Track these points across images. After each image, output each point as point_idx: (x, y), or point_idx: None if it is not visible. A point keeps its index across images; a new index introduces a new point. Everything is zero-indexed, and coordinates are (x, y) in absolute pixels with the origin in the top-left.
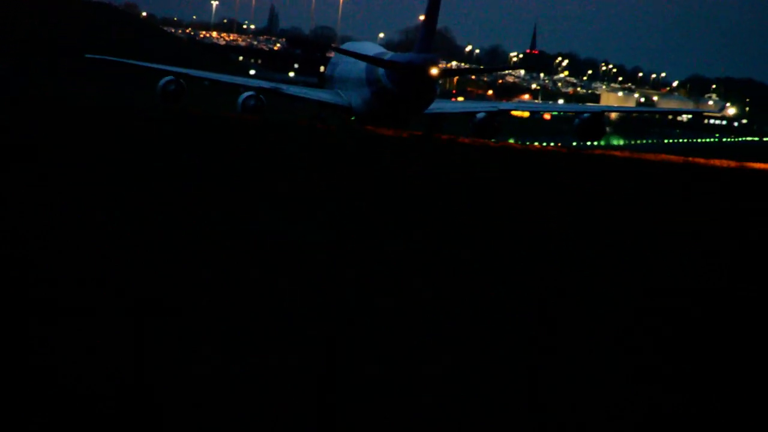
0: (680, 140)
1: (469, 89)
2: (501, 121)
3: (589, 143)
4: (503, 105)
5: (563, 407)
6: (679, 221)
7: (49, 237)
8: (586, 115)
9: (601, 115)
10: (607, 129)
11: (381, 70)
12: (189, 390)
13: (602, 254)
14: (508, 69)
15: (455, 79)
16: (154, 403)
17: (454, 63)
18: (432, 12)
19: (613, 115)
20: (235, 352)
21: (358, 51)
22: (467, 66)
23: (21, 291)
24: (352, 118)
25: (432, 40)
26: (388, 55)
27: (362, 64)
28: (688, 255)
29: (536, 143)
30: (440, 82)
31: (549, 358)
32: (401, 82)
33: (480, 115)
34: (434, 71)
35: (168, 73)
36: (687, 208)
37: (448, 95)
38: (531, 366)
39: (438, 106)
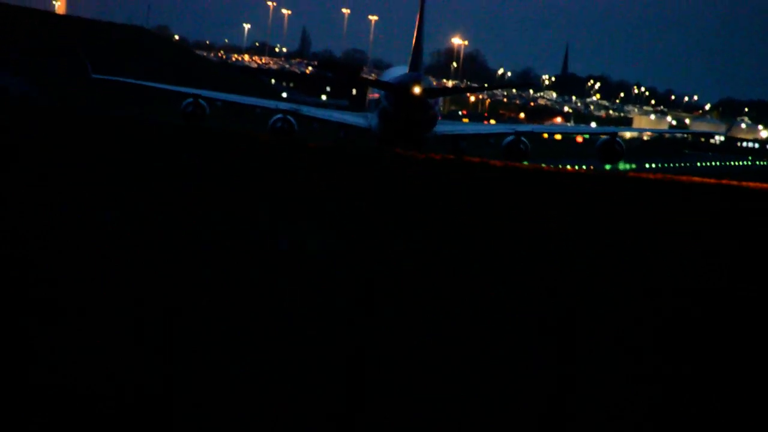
0: (713, 163)
1: (501, 112)
2: (528, 144)
3: (608, 166)
4: (521, 127)
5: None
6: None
7: (61, 238)
8: (603, 137)
9: (615, 138)
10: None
11: (383, 92)
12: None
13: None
14: (500, 88)
15: (487, 102)
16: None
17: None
18: (419, 33)
19: (645, 137)
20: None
21: (394, 75)
22: (465, 85)
23: (22, 290)
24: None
25: (419, 61)
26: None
27: None
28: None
29: (568, 166)
30: (434, 101)
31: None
32: (394, 103)
33: (508, 138)
34: (417, 90)
35: (178, 93)
36: (718, 229)
37: (479, 118)
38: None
39: (457, 128)
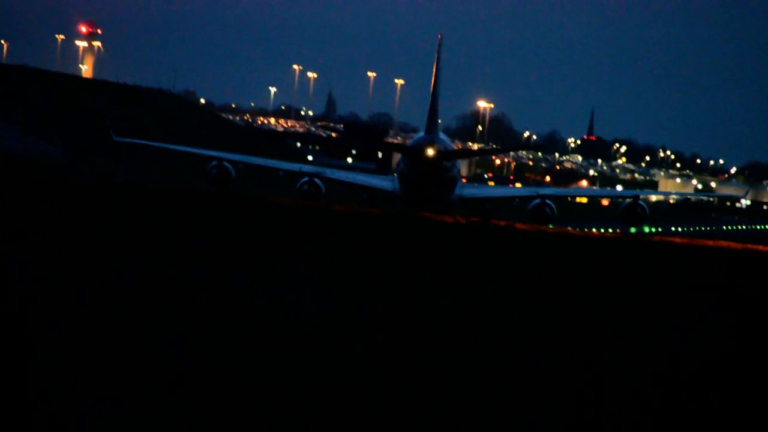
0: (739, 227)
1: (527, 175)
2: (553, 206)
3: (634, 229)
4: (543, 190)
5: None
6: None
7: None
8: (627, 200)
9: (637, 201)
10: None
11: (401, 155)
12: None
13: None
14: (517, 150)
15: (513, 165)
16: None
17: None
18: (433, 97)
19: (671, 200)
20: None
21: (444, 141)
22: (481, 147)
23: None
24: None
25: (434, 123)
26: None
27: None
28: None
29: (594, 229)
30: (451, 164)
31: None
32: (410, 165)
33: (534, 202)
34: (430, 152)
35: (202, 156)
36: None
37: (505, 180)
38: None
39: (482, 191)
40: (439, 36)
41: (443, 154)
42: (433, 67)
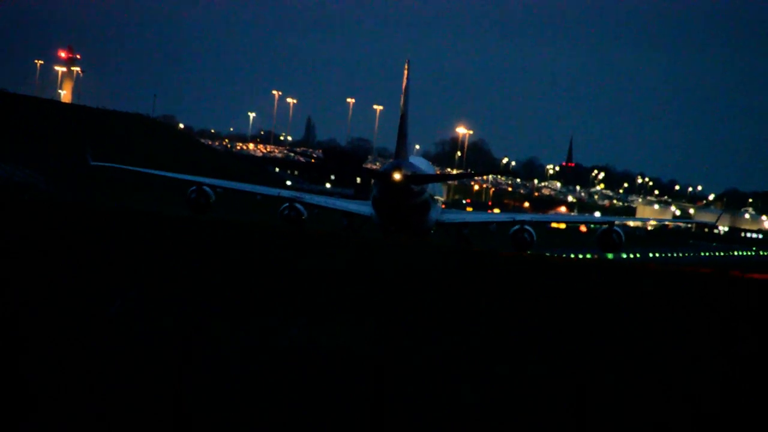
0: (717, 253)
1: (506, 201)
2: (533, 232)
3: (611, 255)
4: (520, 216)
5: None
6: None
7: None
8: (603, 227)
9: (612, 227)
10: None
11: (373, 180)
12: None
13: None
14: (489, 174)
15: (491, 191)
16: None
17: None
18: (402, 121)
19: (649, 226)
20: None
21: (415, 165)
22: (452, 172)
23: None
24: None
25: (403, 148)
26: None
27: None
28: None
29: (572, 255)
30: (421, 188)
31: None
32: (380, 189)
33: (513, 228)
34: (397, 176)
35: (177, 180)
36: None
37: (483, 207)
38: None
39: (461, 216)
40: (407, 61)
41: (411, 178)
42: (401, 93)
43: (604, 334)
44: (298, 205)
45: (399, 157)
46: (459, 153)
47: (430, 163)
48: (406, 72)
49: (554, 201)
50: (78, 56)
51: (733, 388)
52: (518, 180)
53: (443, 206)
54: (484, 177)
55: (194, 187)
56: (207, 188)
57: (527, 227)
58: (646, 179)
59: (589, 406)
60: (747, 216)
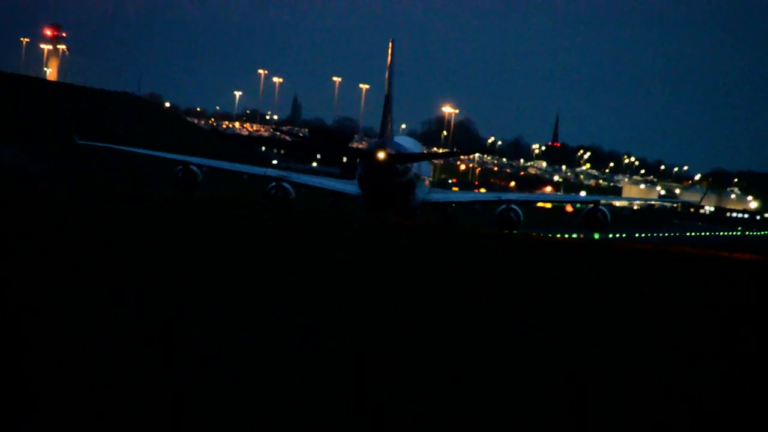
0: (703, 233)
1: (492, 181)
2: (519, 212)
3: (597, 235)
4: (506, 195)
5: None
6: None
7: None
8: (589, 206)
9: (597, 207)
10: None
11: (359, 160)
12: None
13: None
14: (464, 155)
15: (477, 170)
16: None
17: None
18: (387, 100)
19: (635, 206)
20: None
21: (400, 145)
22: (437, 151)
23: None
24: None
25: (388, 128)
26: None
27: None
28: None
29: (558, 235)
30: (406, 167)
31: None
32: (366, 168)
33: (500, 207)
34: (381, 155)
35: (164, 160)
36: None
37: (469, 186)
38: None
39: (447, 195)
40: (391, 41)
41: (395, 157)
42: (386, 72)
43: (604, 322)
44: (285, 185)
45: (384, 137)
46: (445, 132)
47: (418, 142)
48: (390, 51)
49: (540, 180)
50: (64, 34)
51: (734, 386)
52: (504, 159)
53: (430, 186)
54: (470, 156)
55: (181, 167)
56: (194, 167)
57: (513, 207)
58: (633, 159)
59: (589, 402)
60: (733, 196)
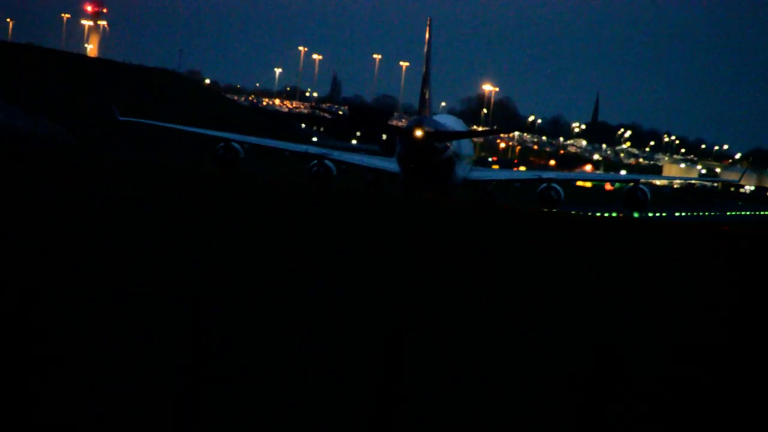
0: (743, 212)
1: (531, 159)
2: (560, 191)
3: (637, 214)
4: (545, 174)
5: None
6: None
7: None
8: (629, 185)
9: (637, 186)
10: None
11: (398, 138)
12: None
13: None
14: (503, 133)
15: (517, 149)
16: None
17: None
18: (425, 78)
19: (675, 185)
20: None
21: (439, 122)
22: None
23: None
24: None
25: (426, 105)
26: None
27: None
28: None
29: (597, 213)
30: (446, 145)
31: None
32: (404, 146)
33: (542, 186)
34: (419, 133)
35: (204, 136)
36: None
37: (509, 164)
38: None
39: (486, 173)
40: (428, 19)
41: (433, 134)
42: (423, 50)
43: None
44: (327, 162)
45: (422, 114)
46: (485, 110)
47: (459, 120)
48: (428, 29)
49: (580, 159)
50: (104, 10)
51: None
52: (544, 138)
53: (471, 164)
54: (510, 134)
55: (222, 144)
56: (235, 144)
57: (554, 185)
58: (673, 138)
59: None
60: None
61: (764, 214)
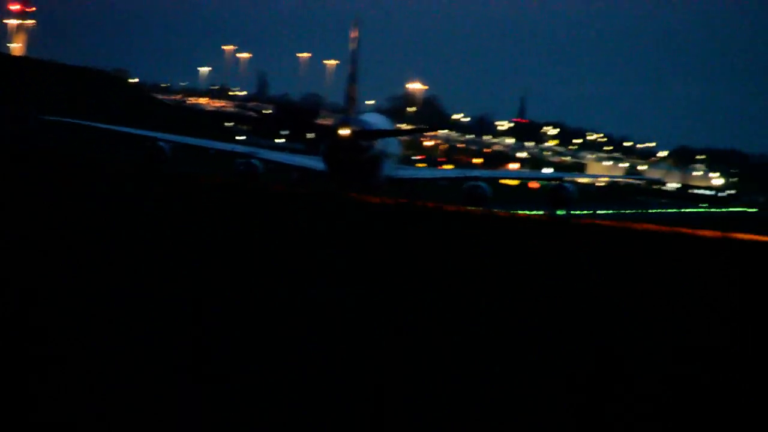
0: (667, 210)
1: (457, 157)
2: (486, 189)
3: (561, 212)
4: (471, 172)
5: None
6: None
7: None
8: (554, 183)
9: (561, 184)
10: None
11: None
12: None
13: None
14: (429, 131)
15: (443, 147)
16: None
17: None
18: (351, 77)
19: (600, 183)
20: None
21: (365, 121)
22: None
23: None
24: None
25: (353, 104)
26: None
27: None
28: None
29: (521, 212)
30: (371, 144)
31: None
32: (330, 145)
33: (468, 184)
34: (345, 132)
35: (131, 135)
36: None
37: (435, 163)
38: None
39: (411, 172)
40: (356, 17)
41: (359, 133)
42: (350, 48)
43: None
44: (254, 161)
45: (348, 113)
46: (412, 109)
47: (389, 119)
48: (355, 29)
49: (506, 157)
50: (30, 9)
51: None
52: (470, 136)
53: (398, 163)
54: (436, 133)
55: (149, 143)
56: (162, 143)
57: (481, 184)
58: (598, 135)
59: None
60: (697, 173)
61: (687, 212)
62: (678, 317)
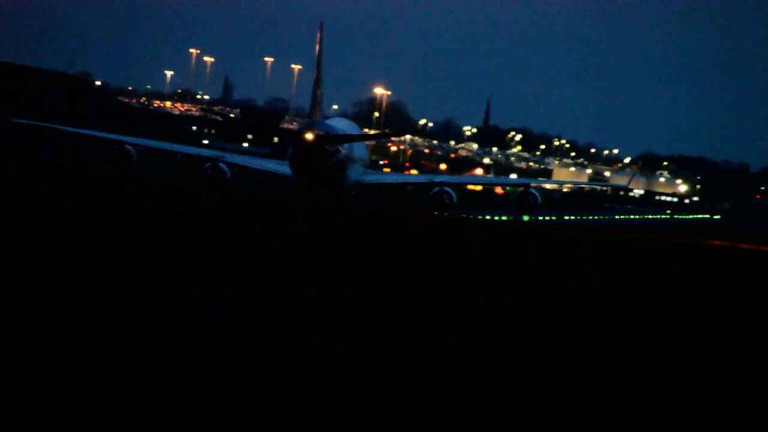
0: (631, 216)
1: (423, 162)
2: (452, 194)
3: (527, 217)
4: (437, 177)
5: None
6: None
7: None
8: (519, 189)
9: (527, 190)
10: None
11: (290, 140)
12: None
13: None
14: (394, 136)
15: (409, 152)
16: None
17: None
18: (316, 81)
19: (565, 189)
20: None
21: (331, 126)
22: (378, 132)
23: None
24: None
25: (317, 109)
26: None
27: None
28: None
29: (488, 216)
30: (336, 148)
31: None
32: (295, 149)
33: (434, 190)
34: (309, 136)
35: (97, 138)
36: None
37: (401, 168)
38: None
39: (379, 177)
40: (320, 22)
41: (324, 138)
42: (315, 52)
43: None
44: (221, 165)
45: (313, 117)
46: (377, 113)
47: (355, 124)
48: (319, 33)
49: (471, 163)
50: None
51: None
52: (435, 141)
53: (365, 168)
54: (402, 138)
55: (116, 146)
56: (128, 147)
57: (447, 189)
58: (563, 141)
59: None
60: (662, 179)
61: (651, 218)
62: (678, 317)
